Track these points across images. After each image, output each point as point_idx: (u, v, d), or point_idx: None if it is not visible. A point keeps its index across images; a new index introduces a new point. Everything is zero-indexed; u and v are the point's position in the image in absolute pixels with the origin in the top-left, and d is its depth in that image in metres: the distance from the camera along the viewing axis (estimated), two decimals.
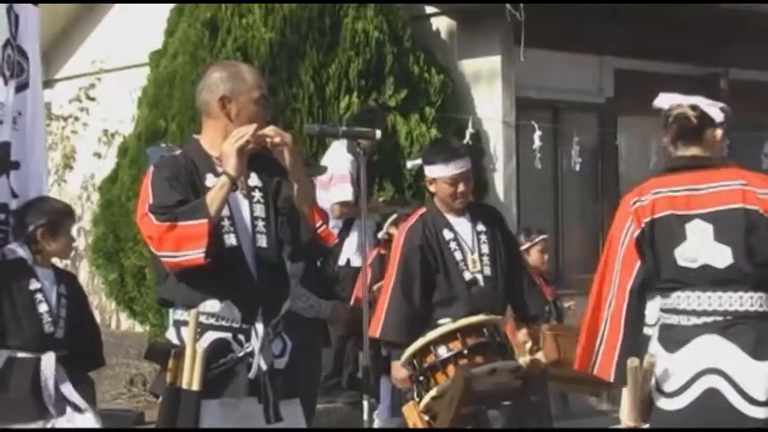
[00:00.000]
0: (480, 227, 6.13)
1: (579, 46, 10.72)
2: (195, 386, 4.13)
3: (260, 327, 4.22)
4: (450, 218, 6.09)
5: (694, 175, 4.49)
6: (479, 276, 6.01)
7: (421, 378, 5.89)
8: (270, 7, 9.68)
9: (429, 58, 10.17)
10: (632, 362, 4.32)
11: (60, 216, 5.80)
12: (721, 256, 4.36)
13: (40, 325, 5.59)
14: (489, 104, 10.34)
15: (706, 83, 11.21)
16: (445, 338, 5.87)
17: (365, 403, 4.84)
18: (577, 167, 10.72)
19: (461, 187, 6.04)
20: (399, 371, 5.98)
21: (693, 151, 4.54)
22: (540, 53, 10.08)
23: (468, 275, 6.01)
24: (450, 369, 5.79)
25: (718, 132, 4.56)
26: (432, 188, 6.13)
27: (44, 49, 12.72)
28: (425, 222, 6.09)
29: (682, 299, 4.40)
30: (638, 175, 11.15)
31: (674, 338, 4.40)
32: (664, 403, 4.37)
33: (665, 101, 4.62)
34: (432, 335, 5.89)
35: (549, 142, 10.66)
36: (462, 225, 6.10)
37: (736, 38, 10.94)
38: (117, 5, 12.09)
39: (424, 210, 6.23)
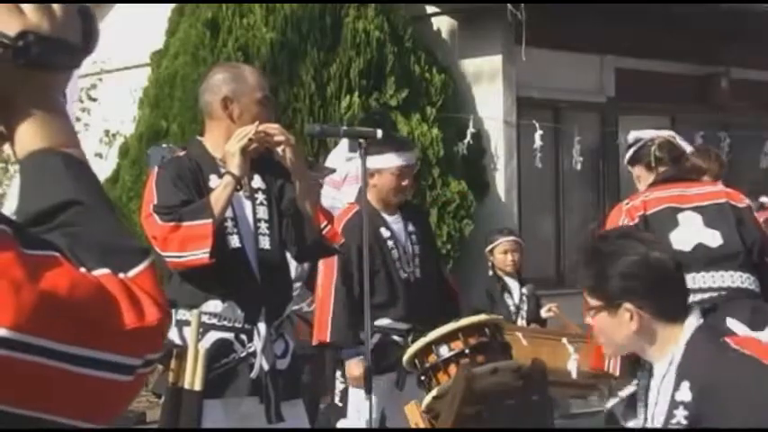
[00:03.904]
0: (411, 227, 5.94)
1: (580, 45, 10.72)
2: (197, 386, 4.13)
3: (262, 327, 4.22)
4: (386, 216, 5.89)
5: (682, 183, 5.23)
6: (413, 277, 5.86)
7: (422, 378, 5.89)
8: (271, 7, 9.69)
9: (430, 58, 10.17)
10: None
11: None
12: (712, 238, 4.92)
13: None
14: (490, 104, 10.34)
15: (707, 82, 11.21)
16: (447, 338, 5.87)
17: (366, 403, 4.86)
18: (578, 167, 10.72)
19: (406, 181, 5.87)
20: (356, 368, 5.64)
21: (676, 169, 5.36)
22: (541, 53, 10.09)
23: (403, 275, 5.88)
24: (452, 368, 5.78)
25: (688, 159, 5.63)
26: (372, 181, 5.78)
27: None
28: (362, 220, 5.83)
29: None
30: None
31: None
32: None
33: (641, 134, 5.55)
34: (433, 335, 5.89)
35: (551, 142, 10.66)
36: (396, 224, 5.91)
37: (736, 37, 10.94)
38: (118, 6, 12.09)
39: (357, 207, 5.80)
